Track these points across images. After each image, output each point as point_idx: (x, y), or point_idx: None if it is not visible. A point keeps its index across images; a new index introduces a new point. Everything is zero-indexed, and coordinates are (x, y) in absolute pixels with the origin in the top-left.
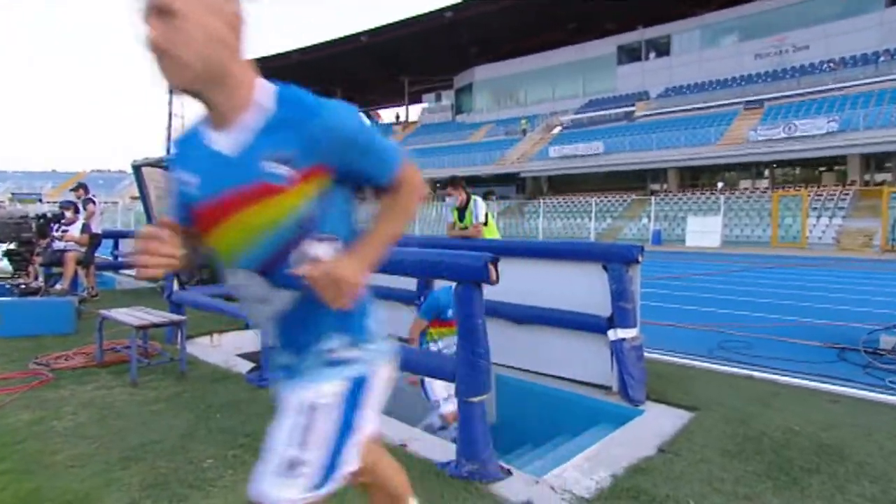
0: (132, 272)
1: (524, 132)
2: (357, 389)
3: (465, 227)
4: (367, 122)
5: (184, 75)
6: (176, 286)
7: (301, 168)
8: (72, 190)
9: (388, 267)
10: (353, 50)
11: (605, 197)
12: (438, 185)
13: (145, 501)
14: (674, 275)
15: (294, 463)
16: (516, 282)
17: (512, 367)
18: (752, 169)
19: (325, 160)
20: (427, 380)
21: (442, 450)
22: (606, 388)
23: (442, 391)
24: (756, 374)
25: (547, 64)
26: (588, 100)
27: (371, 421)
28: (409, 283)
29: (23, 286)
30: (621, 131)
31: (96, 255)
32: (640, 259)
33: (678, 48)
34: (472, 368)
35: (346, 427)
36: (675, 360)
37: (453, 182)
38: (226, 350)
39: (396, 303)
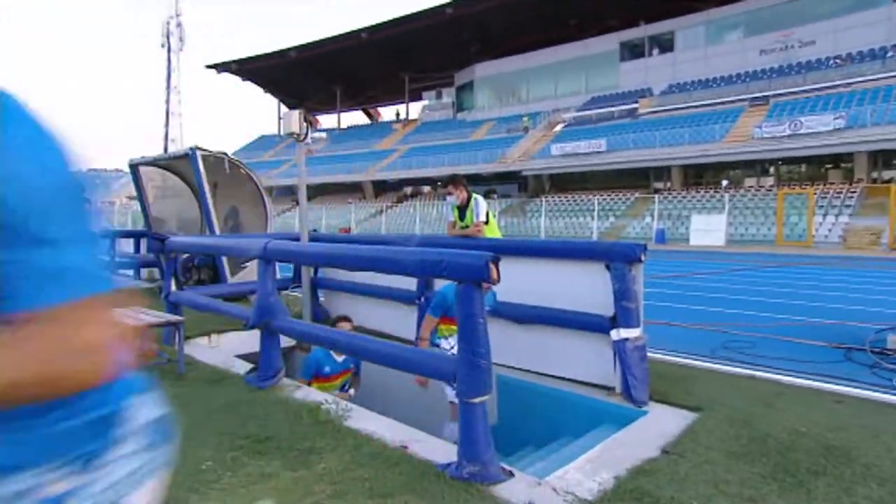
0: (128, 272)
1: (526, 130)
2: None
3: (466, 227)
4: (76, 184)
5: None
6: (174, 286)
7: None
8: None
9: (388, 267)
10: (353, 47)
11: (608, 195)
12: (439, 183)
13: None
14: (677, 274)
15: None
16: (518, 281)
17: (513, 368)
18: (758, 166)
19: None
20: None
21: (442, 451)
22: (609, 389)
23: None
24: (760, 374)
25: (549, 61)
26: (590, 97)
27: None
28: (410, 283)
29: None
30: (624, 129)
31: None
32: (643, 258)
33: (682, 44)
34: (472, 369)
35: None
36: (679, 360)
37: (454, 180)
38: (224, 351)
39: (397, 302)
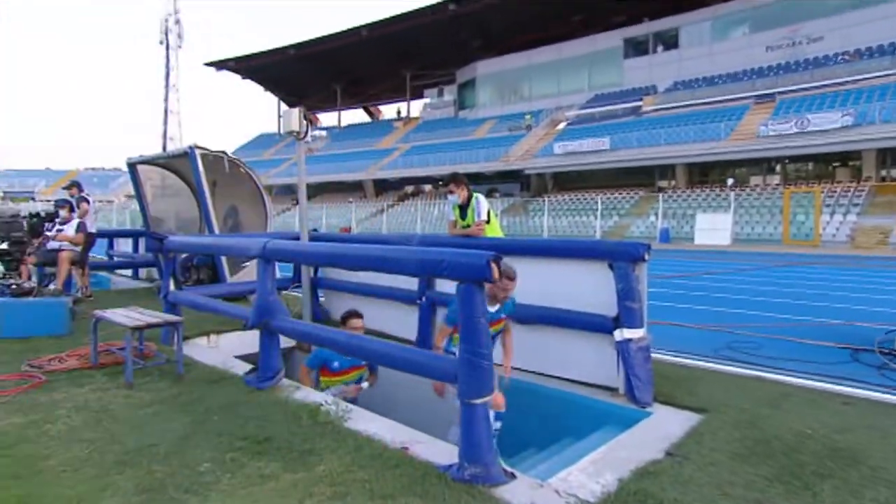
0: (127, 272)
1: (528, 128)
2: None
3: (467, 226)
4: None
5: None
6: (172, 286)
7: None
8: (65, 188)
9: (389, 266)
10: (354, 44)
11: (612, 194)
12: (440, 182)
13: None
14: (682, 274)
15: None
16: (519, 281)
17: (515, 368)
18: (764, 165)
19: None
20: None
21: (444, 452)
22: (612, 390)
23: None
24: (766, 375)
25: (552, 58)
26: (594, 94)
27: None
28: (411, 283)
29: (14, 286)
30: (628, 127)
31: (90, 254)
32: (646, 257)
33: (687, 41)
34: (474, 369)
35: None
36: (683, 361)
37: (455, 179)
38: (223, 351)
39: (397, 303)
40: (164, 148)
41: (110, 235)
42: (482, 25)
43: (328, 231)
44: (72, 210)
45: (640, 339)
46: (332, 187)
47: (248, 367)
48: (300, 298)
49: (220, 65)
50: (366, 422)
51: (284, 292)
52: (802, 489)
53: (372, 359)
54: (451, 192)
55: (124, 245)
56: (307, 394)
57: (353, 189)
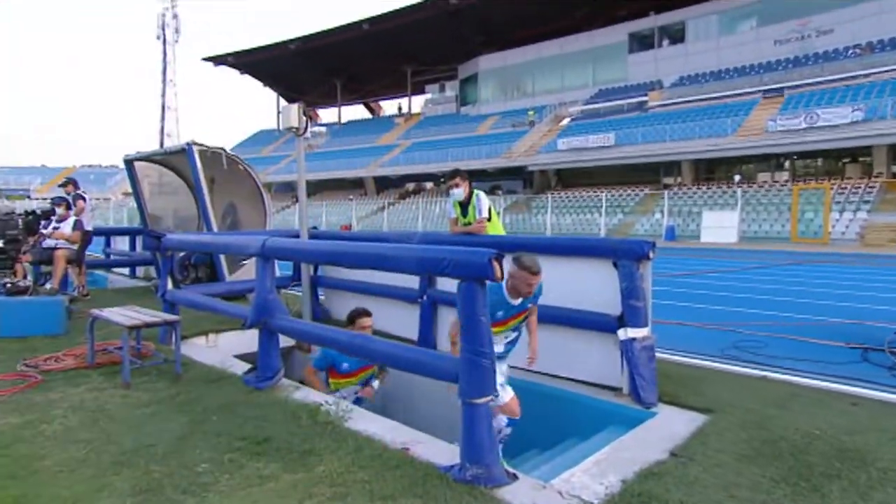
0: (124, 270)
1: (531, 124)
2: None
3: (469, 223)
4: None
5: None
6: (170, 285)
7: None
8: (61, 185)
9: (390, 265)
10: (354, 38)
11: (616, 191)
12: (442, 179)
13: None
14: (688, 272)
15: None
16: None
17: (518, 368)
18: (772, 161)
19: None
20: None
21: (445, 453)
22: (616, 390)
23: (498, 376)
24: (773, 375)
25: (555, 52)
26: (598, 89)
27: None
28: (412, 282)
29: (9, 285)
30: (633, 122)
31: (87, 252)
32: (651, 255)
33: (693, 34)
34: (475, 368)
35: None
36: (688, 360)
37: (458, 174)
38: (222, 351)
39: (398, 301)
40: (162, 144)
41: (107, 233)
42: (484, 20)
43: (328, 229)
44: (68, 208)
45: (645, 338)
46: (333, 184)
47: (247, 366)
48: (300, 297)
49: (218, 60)
50: (366, 422)
51: (284, 291)
52: (810, 491)
53: (374, 359)
54: (457, 186)
55: (121, 243)
56: (307, 394)
57: (353, 186)
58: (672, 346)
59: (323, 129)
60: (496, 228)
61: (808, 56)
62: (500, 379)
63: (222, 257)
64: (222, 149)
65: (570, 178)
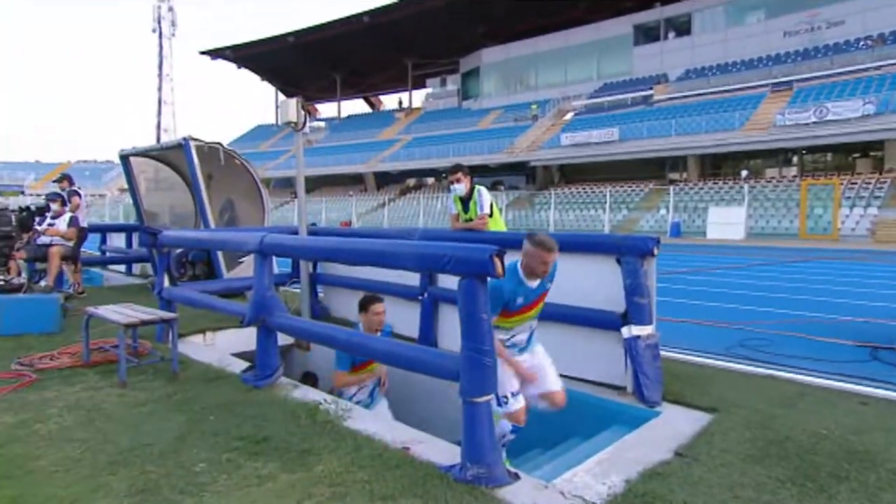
0: (120, 268)
1: (535, 118)
2: None
3: (470, 219)
4: None
5: None
6: (167, 282)
7: None
8: (56, 181)
9: (390, 261)
10: (354, 31)
11: (621, 187)
12: (443, 175)
13: None
14: (693, 269)
15: None
16: None
17: None
18: (780, 156)
19: None
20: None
21: (446, 453)
22: (620, 389)
23: (513, 383)
24: (780, 373)
25: (559, 45)
26: (602, 83)
27: None
28: (413, 279)
29: (3, 282)
30: (638, 116)
31: (83, 249)
32: (655, 251)
33: (700, 27)
34: (476, 367)
35: None
36: (693, 358)
37: (459, 168)
38: (220, 349)
39: (399, 299)
40: (158, 140)
41: (103, 230)
42: (486, 12)
43: (328, 225)
44: (63, 204)
45: (649, 336)
46: (332, 180)
47: (245, 365)
48: (298, 294)
49: (216, 53)
50: (365, 421)
51: (282, 288)
52: (817, 492)
53: (374, 357)
54: (458, 181)
55: (117, 240)
56: (305, 392)
57: (353, 182)
58: (677, 343)
59: (322, 123)
60: (498, 225)
61: (818, 48)
62: (515, 386)
63: (220, 254)
64: (219, 144)
65: (574, 174)
